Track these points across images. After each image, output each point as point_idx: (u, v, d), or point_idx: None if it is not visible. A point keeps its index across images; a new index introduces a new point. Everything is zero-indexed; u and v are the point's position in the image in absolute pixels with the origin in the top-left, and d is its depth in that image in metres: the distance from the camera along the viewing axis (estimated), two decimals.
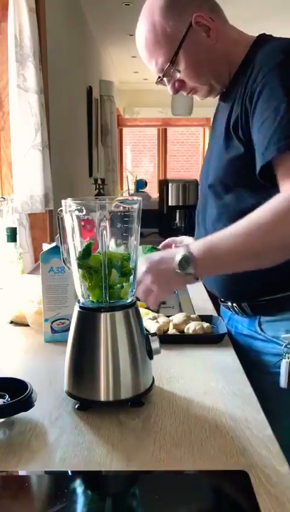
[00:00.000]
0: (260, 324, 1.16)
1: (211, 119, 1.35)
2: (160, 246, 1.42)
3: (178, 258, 0.96)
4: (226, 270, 1.05)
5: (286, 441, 0.82)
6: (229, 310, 1.24)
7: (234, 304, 1.19)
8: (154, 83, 1.18)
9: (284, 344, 1.10)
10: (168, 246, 1.40)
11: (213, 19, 1.09)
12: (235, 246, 0.95)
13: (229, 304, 1.21)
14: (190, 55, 1.10)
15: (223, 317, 1.30)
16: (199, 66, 1.12)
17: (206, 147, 1.37)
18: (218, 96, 1.20)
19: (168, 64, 1.10)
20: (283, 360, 1.10)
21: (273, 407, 1.06)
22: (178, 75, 1.13)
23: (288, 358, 1.09)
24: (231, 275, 1.11)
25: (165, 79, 1.15)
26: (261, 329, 1.15)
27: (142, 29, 1.12)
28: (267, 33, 1.14)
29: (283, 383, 1.10)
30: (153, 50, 1.11)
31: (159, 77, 1.15)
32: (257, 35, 1.13)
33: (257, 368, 1.15)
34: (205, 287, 1.35)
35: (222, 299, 1.26)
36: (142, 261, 1.02)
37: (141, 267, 1.02)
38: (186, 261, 0.96)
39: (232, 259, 0.97)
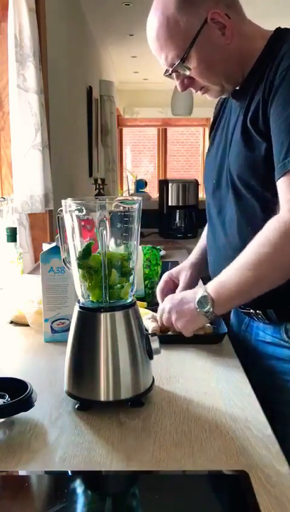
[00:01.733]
0: (286, 331, 1.11)
1: (212, 118, 1.33)
2: (160, 284, 1.35)
3: (198, 297, 1.04)
4: (242, 302, 1.10)
5: None
6: (251, 317, 1.19)
7: (258, 311, 1.15)
8: (163, 75, 1.14)
9: None
10: (169, 282, 1.34)
11: (230, 16, 1.05)
12: (240, 282, 1.01)
13: (252, 310, 1.16)
14: (203, 53, 1.05)
15: (239, 323, 1.26)
16: (210, 65, 1.08)
17: (207, 146, 1.35)
18: (224, 95, 1.17)
19: (179, 61, 1.06)
20: None
21: None
22: (188, 73, 1.09)
23: None
24: None
25: (174, 75, 1.11)
26: (289, 336, 1.11)
27: (154, 22, 1.06)
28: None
29: None
30: (164, 44, 1.07)
31: (167, 71, 1.11)
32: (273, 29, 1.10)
33: (280, 377, 1.12)
34: None
35: (242, 306, 1.20)
36: (164, 301, 1.14)
37: (162, 304, 1.13)
38: (205, 301, 1.04)
39: (243, 293, 1.03)
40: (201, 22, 1.03)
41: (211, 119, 1.35)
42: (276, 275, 0.99)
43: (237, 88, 1.14)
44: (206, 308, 1.04)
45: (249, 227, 1.08)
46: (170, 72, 1.10)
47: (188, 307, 1.07)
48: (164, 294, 1.28)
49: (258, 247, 0.98)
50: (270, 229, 0.97)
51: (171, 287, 1.33)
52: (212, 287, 1.04)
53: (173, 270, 1.38)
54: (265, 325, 1.16)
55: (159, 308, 1.15)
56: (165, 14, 1.04)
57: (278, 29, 1.10)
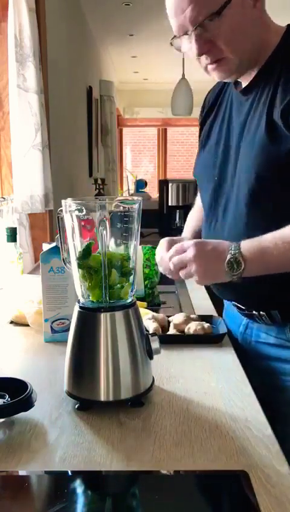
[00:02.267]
0: None
1: (203, 114, 1.29)
2: (163, 248, 1.22)
3: (229, 257, 0.98)
4: (270, 273, 1.02)
5: None
6: (254, 318, 1.17)
7: (262, 312, 1.12)
8: (175, 36, 1.05)
9: None
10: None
11: None
12: (284, 258, 0.96)
13: (255, 312, 1.14)
14: (235, 16, 0.99)
15: (236, 326, 1.24)
16: (240, 32, 1.02)
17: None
18: (231, 78, 1.11)
19: (213, 14, 0.97)
20: None
21: None
22: (214, 31, 1.00)
23: None
24: (264, 282, 1.06)
25: (194, 34, 1.00)
26: None
27: None
28: None
29: None
30: None
31: (183, 30, 1.02)
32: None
33: (281, 378, 1.12)
34: (221, 297, 1.28)
35: (243, 308, 1.18)
36: (190, 241, 1.03)
37: (188, 247, 1.01)
38: (237, 262, 0.97)
39: (282, 266, 0.98)
40: None
41: (201, 116, 1.31)
42: None
43: (246, 84, 1.11)
44: (235, 272, 0.97)
45: (258, 230, 1.04)
46: (190, 31, 1.00)
47: (217, 265, 0.99)
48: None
49: None
50: None
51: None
52: (248, 251, 0.97)
53: (174, 238, 1.27)
54: (268, 327, 1.15)
55: (175, 248, 1.05)
56: None
57: None
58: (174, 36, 1.05)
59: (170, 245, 1.19)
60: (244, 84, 1.13)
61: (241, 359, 1.09)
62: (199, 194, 1.42)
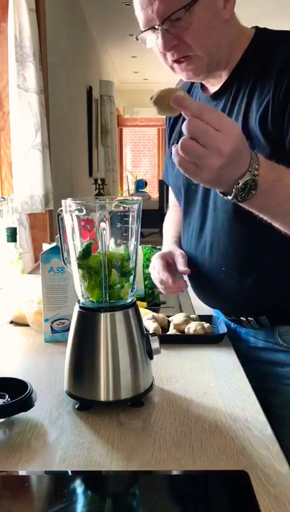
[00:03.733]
0: (280, 335, 1.10)
1: (170, 121, 1.25)
2: (160, 264, 1.18)
3: (246, 177, 0.77)
4: (274, 215, 0.87)
5: None
6: (242, 324, 1.17)
7: (250, 318, 1.12)
8: (142, 29, 1.00)
9: None
10: (164, 261, 1.19)
11: None
12: None
13: (243, 318, 1.14)
14: (206, 12, 0.95)
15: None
16: (209, 28, 0.97)
17: None
18: (198, 78, 1.06)
19: (182, 8, 0.93)
20: None
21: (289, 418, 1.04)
22: (183, 27, 0.95)
23: None
24: (255, 289, 1.06)
25: (160, 29, 0.96)
26: (284, 341, 1.10)
27: None
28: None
29: None
30: None
31: (151, 23, 0.97)
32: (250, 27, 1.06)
33: (274, 381, 1.12)
34: (207, 305, 1.26)
35: (232, 316, 1.18)
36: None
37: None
38: (251, 186, 0.79)
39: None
40: None
41: (168, 123, 1.27)
42: None
43: (216, 89, 1.08)
44: (239, 197, 0.79)
45: (244, 237, 1.04)
46: (157, 24, 0.96)
47: (240, 166, 0.77)
48: (169, 272, 1.15)
49: None
50: None
51: (171, 265, 1.18)
52: (265, 170, 0.79)
53: (163, 251, 1.24)
54: (256, 331, 1.15)
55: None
56: None
57: (259, 29, 1.06)
58: (141, 31, 1.00)
59: (163, 259, 1.19)
60: (212, 89, 1.10)
61: None
62: (171, 195, 1.40)
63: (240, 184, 0.78)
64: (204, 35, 0.98)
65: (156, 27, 0.97)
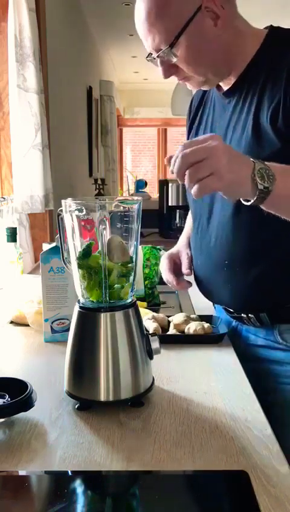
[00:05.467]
0: (280, 333, 1.10)
1: (189, 119, 1.28)
2: (166, 264, 1.29)
3: (258, 166, 0.81)
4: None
5: None
6: (242, 321, 1.17)
7: (250, 315, 1.13)
8: (145, 58, 1.08)
9: None
10: (172, 261, 1.30)
11: (224, 7, 1.00)
12: None
13: (244, 315, 1.14)
14: (192, 41, 1.00)
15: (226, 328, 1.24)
16: (199, 55, 1.03)
17: None
18: (205, 87, 1.12)
19: (166, 46, 1.00)
20: None
21: (287, 418, 1.04)
22: (174, 60, 1.02)
23: None
24: (256, 285, 1.07)
25: (158, 60, 1.04)
26: (283, 339, 1.10)
27: (146, 1, 1.00)
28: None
29: None
30: (154, 25, 1.00)
31: (151, 54, 1.05)
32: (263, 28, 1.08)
33: (272, 379, 1.12)
34: (209, 299, 1.28)
35: (232, 310, 1.19)
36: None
37: (206, 139, 0.81)
38: (267, 173, 0.81)
39: None
40: (195, 8, 0.98)
41: (187, 123, 1.31)
42: None
43: (229, 86, 1.10)
44: (265, 183, 0.81)
45: (247, 230, 1.06)
46: (154, 56, 1.04)
47: (244, 166, 0.82)
48: (174, 273, 1.27)
49: None
50: None
51: (177, 266, 1.29)
52: (276, 168, 0.83)
53: (172, 251, 1.34)
54: (256, 328, 1.15)
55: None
56: None
57: (273, 28, 1.08)
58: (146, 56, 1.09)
59: (170, 260, 1.29)
60: (225, 87, 1.12)
61: None
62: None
63: (256, 172, 0.81)
64: (195, 61, 1.04)
65: (154, 57, 1.05)
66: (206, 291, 1.23)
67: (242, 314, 1.15)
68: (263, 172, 0.81)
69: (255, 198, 0.83)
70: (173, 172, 0.84)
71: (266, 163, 0.83)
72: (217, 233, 1.12)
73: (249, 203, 0.85)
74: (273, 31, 1.07)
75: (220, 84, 1.14)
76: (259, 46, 1.05)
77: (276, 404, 1.09)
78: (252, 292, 1.09)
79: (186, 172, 0.80)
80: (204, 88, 1.13)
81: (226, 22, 1.01)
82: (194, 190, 0.80)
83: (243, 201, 0.86)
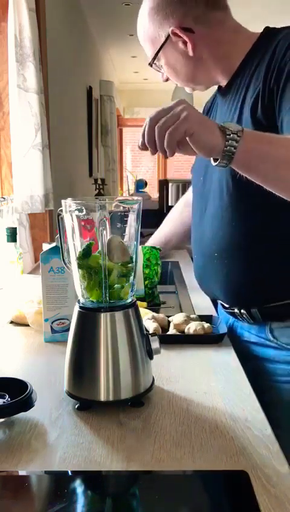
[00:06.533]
0: (271, 331, 1.13)
1: None
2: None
3: (225, 123, 0.84)
4: (261, 169, 0.90)
5: None
6: (236, 317, 1.20)
7: (243, 311, 1.16)
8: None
9: None
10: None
11: (195, 30, 1.09)
12: (276, 149, 0.87)
13: (237, 310, 1.18)
14: (169, 60, 1.15)
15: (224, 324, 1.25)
16: (176, 71, 1.16)
17: None
18: (200, 90, 1.23)
19: (152, 60, 1.16)
20: None
21: (283, 419, 1.05)
22: (161, 71, 1.19)
23: None
24: (244, 278, 1.10)
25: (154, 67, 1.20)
26: (274, 337, 1.12)
27: (138, 22, 1.18)
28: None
29: None
30: (143, 43, 1.18)
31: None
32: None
33: (267, 377, 1.13)
34: (205, 293, 1.32)
35: (227, 306, 1.22)
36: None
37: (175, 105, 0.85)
38: (235, 128, 0.84)
39: (269, 159, 0.88)
40: (166, 35, 1.11)
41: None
42: None
43: (224, 86, 1.17)
44: (231, 132, 0.83)
45: (233, 223, 1.10)
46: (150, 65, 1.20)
47: (211, 122, 0.86)
48: None
49: None
50: None
51: None
52: (247, 129, 0.87)
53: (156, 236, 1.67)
54: (250, 325, 1.18)
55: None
56: (142, 18, 1.15)
57: (267, 28, 1.12)
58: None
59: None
60: (223, 86, 1.20)
61: None
62: (187, 193, 1.64)
63: (224, 123, 0.84)
64: (175, 75, 1.18)
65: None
66: (202, 285, 1.27)
67: (235, 310, 1.18)
68: (227, 126, 0.84)
69: (224, 150, 0.83)
70: (141, 147, 0.88)
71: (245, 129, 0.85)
72: (209, 226, 1.16)
73: (218, 162, 0.85)
74: (267, 31, 1.11)
75: (221, 84, 1.19)
76: (251, 46, 1.10)
77: (272, 403, 1.09)
78: (240, 286, 1.12)
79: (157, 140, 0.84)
80: (197, 90, 1.23)
81: (198, 43, 1.10)
82: (165, 145, 0.83)
83: (213, 162, 0.87)
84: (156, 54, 1.14)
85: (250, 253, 1.10)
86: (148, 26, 1.13)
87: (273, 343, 1.13)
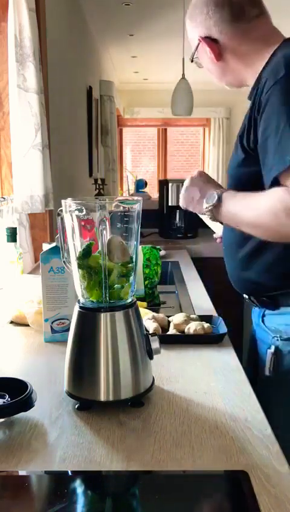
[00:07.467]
0: (263, 316, 1.23)
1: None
2: None
3: (209, 193, 1.14)
4: (235, 226, 1.13)
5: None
6: (244, 298, 1.32)
7: (245, 295, 1.28)
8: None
9: (272, 335, 1.19)
10: None
11: (220, 40, 1.19)
12: (242, 214, 1.07)
13: (246, 296, 1.29)
14: (203, 59, 1.28)
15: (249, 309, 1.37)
16: (209, 70, 1.29)
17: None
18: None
19: (191, 58, 1.31)
20: (268, 350, 1.18)
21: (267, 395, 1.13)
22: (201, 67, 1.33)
23: (273, 348, 1.18)
24: (236, 269, 1.24)
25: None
26: (263, 321, 1.23)
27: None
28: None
29: (267, 371, 1.19)
30: (189, 40, 1.32)
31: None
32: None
33: (258, 358, 1.25)
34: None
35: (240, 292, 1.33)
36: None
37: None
38: (212, 198, 1.12)
39: (235, 221, 1.11)
40: (197, 41, 1.25)
41: None
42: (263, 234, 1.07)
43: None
44: (207, 206, 1.13)
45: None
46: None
47: (198, 196, 1.18)
48: None
49: (266, 210, 1.00)
50: (275, 198, 0.99)
51: None
52: (226, 194, 1.12)
53: None
54: (255, 309, 1.28)
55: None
56: (186, 19, 1.29)
57: (285, 40, 1.15)
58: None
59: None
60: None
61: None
62: None
63: (205, 199, 1.15)
64: (210, 72, 1.31)
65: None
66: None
67: (244, 295, 1.29)
68: (209, 199, 1.13)
69: (205, 212, 1.14)
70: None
71: (224, 190, 1.13)
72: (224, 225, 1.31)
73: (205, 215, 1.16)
74: (282, 46, 1.12)
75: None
76: (268, 58, 1.12)
77: (255, 383, 1.19)
78: (236, 271, 1.25)
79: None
80: (234, 88, 1.34)
81: (222, 52, 1.21)
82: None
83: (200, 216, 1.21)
84: (193, 54, 1.29)
85: (242, 250, 1.21)
86: (188, 29, 1.29)
87: (262, 327, 1.23)
